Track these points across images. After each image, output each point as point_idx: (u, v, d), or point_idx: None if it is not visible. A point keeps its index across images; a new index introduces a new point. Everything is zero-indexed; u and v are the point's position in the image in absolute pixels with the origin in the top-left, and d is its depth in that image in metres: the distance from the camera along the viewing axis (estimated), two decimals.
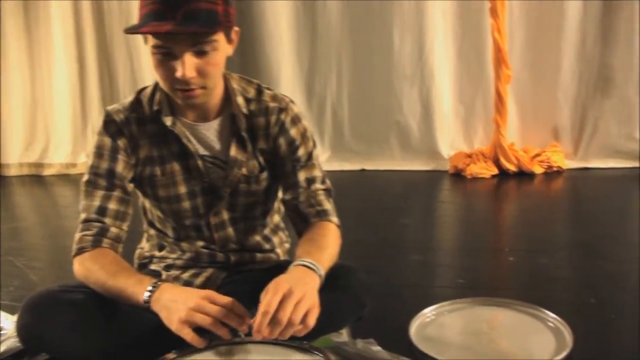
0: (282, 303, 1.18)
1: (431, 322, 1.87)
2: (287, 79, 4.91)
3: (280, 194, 1.67)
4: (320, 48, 4.88)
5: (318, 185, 1.56)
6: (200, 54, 1.34)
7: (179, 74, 1.33)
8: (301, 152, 1.55)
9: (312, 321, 1.21)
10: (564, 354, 1.64)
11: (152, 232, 1.68)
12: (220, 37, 1.37)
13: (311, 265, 1.31)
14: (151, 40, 1.33)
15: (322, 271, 1.32)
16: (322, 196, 1.55)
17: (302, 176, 1.54)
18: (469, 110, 4.72)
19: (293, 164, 1.55)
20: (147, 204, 1.64)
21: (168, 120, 1.50)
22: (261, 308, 1.18)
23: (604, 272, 2.43)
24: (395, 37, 4.68)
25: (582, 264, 2.59)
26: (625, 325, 1.97)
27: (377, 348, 1.57)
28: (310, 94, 4.97)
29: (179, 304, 1.25)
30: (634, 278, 2.42)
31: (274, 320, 1.17)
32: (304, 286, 1.23)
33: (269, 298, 1.19)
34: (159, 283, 1.32)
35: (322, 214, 1.52)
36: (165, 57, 1.34)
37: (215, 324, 1.23)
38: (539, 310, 1.88)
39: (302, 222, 1.54)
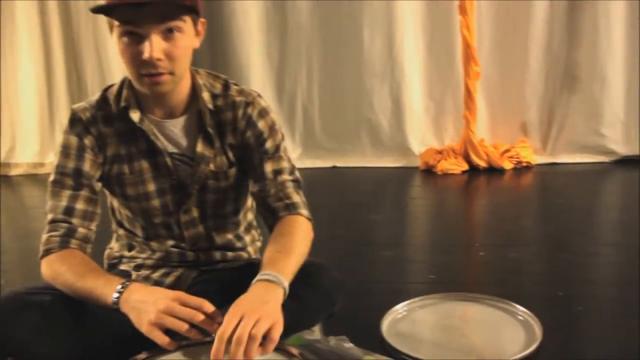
0: (240, 323, 1.16)
1: (403, 318, 1.89)
2: (257, 77, 4.89)
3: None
4: (290, 45, 4.87)
5: (286, 177, 1.53)
6: (167, 34, 1.34)
7: (146, 54, 1.32)
8: (269, 144, 1.54)
9: (276, 335, 1.19)
10: (533, 347, 1.66)
11: (121, 232, 1.66)
12: (187, 20, 1.37)
13: (274, 279, 1.29)
14: (117, 22, 1.33)
15: (286, 282, 1.30)
16: (290, 188, 1.53)
17: (269, 167, 1.53)
18: (439, 107, 4.75)
19: (260, 155, 1.53)
20: (116, 203, 1.62)
21: (135, 116, 1.48)
22: (218, 333, 1.17)
23: (572, 265, 2.47)
24: (365, 34, 4.69)
25: (550, 257, 2.63)
26: (592, 317, 2.01)
27: (349, 345, 1.58)
28: (281, 92, 4.96)
29: (148, 306, 1.24)
30: (600, 271, 2.47)
31: (234, 342, 1.15)
32: (264, 305, 1.21)
33: (225, 323, 1.17)
34: (127, 283, 1.31)
35: (291, 208, 1.50)
36: (132, 39, 1.33)
37: (185, 326, 1.23)
38: (509, 305, 1.91)
39: (271, 216, 1.52)
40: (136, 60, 1.35)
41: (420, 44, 4.69)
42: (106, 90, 1.55)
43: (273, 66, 4.94)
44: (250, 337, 1.15)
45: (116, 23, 1.34)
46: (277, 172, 1.53)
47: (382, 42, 4.69)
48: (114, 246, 1.70)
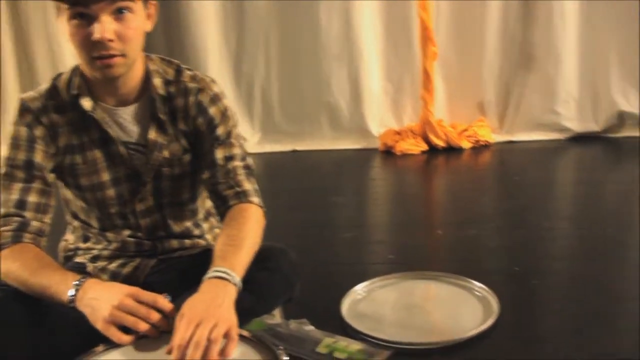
0: (195, 329, 1.16)
1: (363, 299, 1.91)
2: (214, 61, 4.83)
3: None
4: (247, 29, 4.82)
5: (237, 163, 1.52)
6: (118, 15, 1.32)
7: (96, 35, 1.29)
8: (220, 130, 1.52)
9: (235, 334, 1.20)
10: (490, 321, 1.70)
11: (76, 223, 1.63)
12: (137, 0, 1.35)
13: (225, 276, 1.28)
14: (65, 5, 1.30)
15: (238, 278, 1.30)
16: (241, 175, 1.51)
17: (220, 154, 1.51)
18: (397, 88, 4.77)
19: (212, 142, 1.52)
20: (70, 194, 1.59)
21: (87, 104, 1.45)
22: (174, 341, 1.16)
23: (528, 240, 2.53)
24: (322, 17, 4.67)
25: (507, 233, 2.68)
26: (548, 290, 2.06)
27: (309, 327, 1.59)
28: (239, 76, 4.91)
29: (102, 303, 1.24)
30: (555, 245, 2.53)
31: (192, 346, 1.15)
32: (219, 308, 1.22)
33: (183, 330, 1.17)
34: (83, 280, 1.29)
35: (242, 196, 1.49)
36: (82, 21, 1.31)
37: (139, 323, 1.23)
38: (467, 281, 1.95)
39: (222, 204, 1.51)
40: (87, 43, 1.32)
41: (378, 26, 4.68)
42: (55, 79, 1.51)
43: (230, 50, 4.89)
44: (211, 341, 1.16)
45: (64, 6, 1.31)
46: (228, 158, 1.52)
47: (339, 24, 4.67)
48: (69, 238, 1.67)
